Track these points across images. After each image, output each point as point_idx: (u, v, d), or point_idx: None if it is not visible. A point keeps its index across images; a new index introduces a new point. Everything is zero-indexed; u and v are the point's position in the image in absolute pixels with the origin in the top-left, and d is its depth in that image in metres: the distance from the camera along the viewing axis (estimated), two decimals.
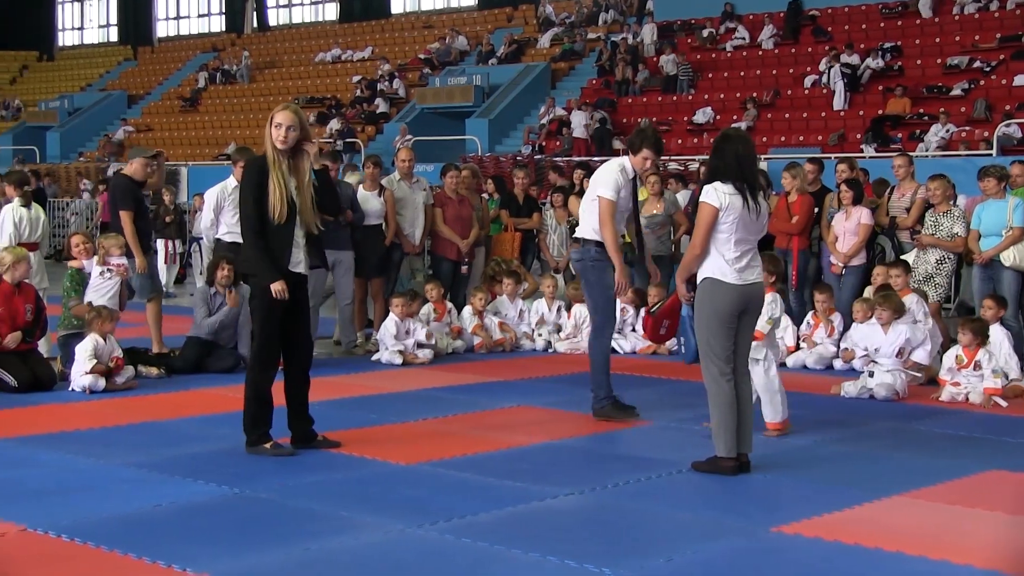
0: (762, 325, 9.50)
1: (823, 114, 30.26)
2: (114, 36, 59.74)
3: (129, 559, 6.35)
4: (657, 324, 9.50)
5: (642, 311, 14.24)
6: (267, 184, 8.69)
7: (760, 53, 34.50)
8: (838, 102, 30.15)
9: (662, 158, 24.23)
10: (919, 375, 12.12)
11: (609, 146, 31.03)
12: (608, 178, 10.28)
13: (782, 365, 13.43)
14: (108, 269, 12.55)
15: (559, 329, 14.99)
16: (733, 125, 28.39)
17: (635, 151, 10.24)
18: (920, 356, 11.97)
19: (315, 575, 6.26)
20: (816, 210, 14.70)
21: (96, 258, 12.60)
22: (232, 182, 13.32)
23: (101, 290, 12.48)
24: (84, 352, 11.43)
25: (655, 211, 15.19)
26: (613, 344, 13.31)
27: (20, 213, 13.69)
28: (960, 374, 11.64)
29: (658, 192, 15.34)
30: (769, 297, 9.76)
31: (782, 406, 9.70)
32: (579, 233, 10.61)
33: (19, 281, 11.80)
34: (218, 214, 13.39)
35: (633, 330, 14.60)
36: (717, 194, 8.30)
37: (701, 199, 8.41)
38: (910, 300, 12.62)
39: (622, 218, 10.45)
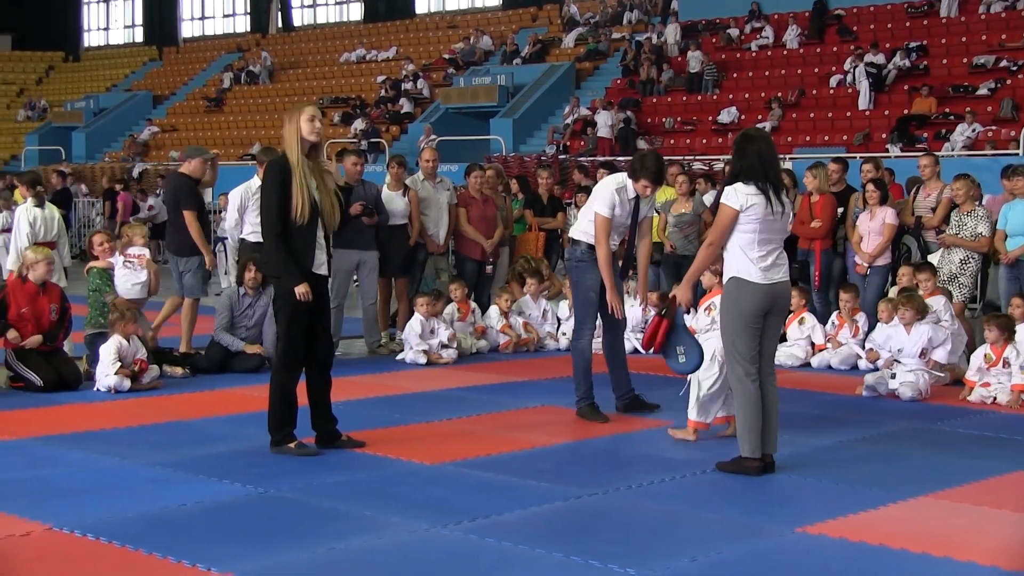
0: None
1: (848, 114, 30.19)
2: (139, 36, 59.91)
3: (154, 558, 6.36)
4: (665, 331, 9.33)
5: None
6: (290, 185, 8.69)
7: (785, 53, 34.43)
8: (863, 102, 30.08)
9: (687, 158, 24.31)
10: (942, 375, 12.06)
11: (634, 146, 31.00)
12: (605, 195, 10.37)
13: (806, 365, 13.46)
14: (129, 261, 12.60)
15: None
16: (758, 125, 28.41)
17: (635, 178, 10.27)
18: (940, 355, 11.91)
19: (339, 574, 6.27)
20: (841, 210, 14.65)
21: (118, 249, 12.67)
22: (256, 182, 13.32)
23: (129, 280, 12.52)
24: (108, 355, 11.46)
25: (683, 210, 15.16)
26: (638, 344, 13.33)
27: (34, 213, 13.75)
28: (990, 373, 11.58)
29: (686, 192, 15.29)
30: (719, 300, 9.77)
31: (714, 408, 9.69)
32: (571, 233, 10.78)
33: (44, 281, 11.84)
34: (242, 214, 13.41)
35: None
36: (737, 196, 8.28)
37: (721, 201, 8.38)
38: (936, 301, 12.56)
39: (618, 233, 10.53)
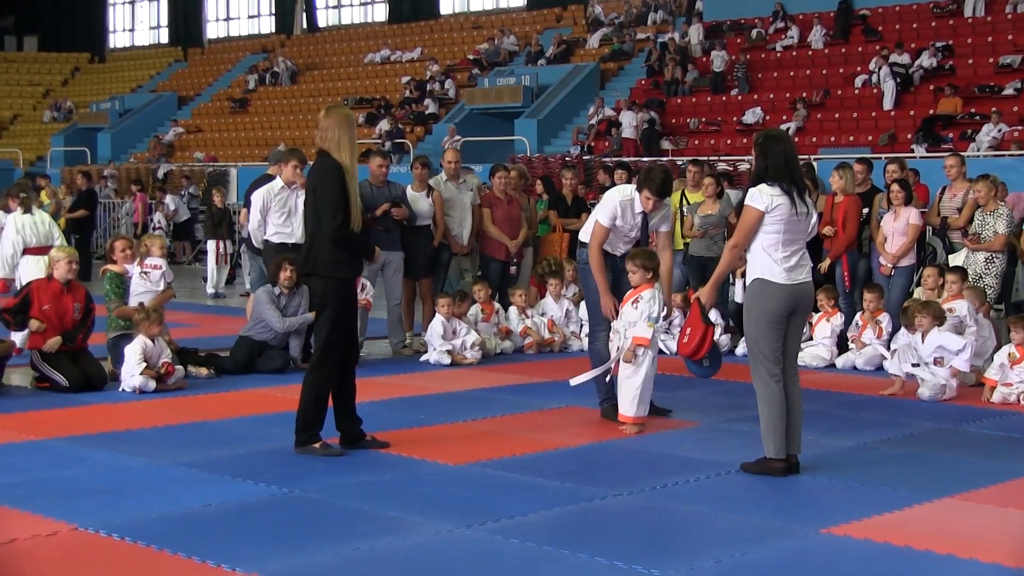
0: (643, 330, 9.73)
1: (873, 114, 30.07)
2: (164, 38, 60.02)
3: (179, 558, 6.38)
4: (706, 341, 9.38)
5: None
6: (347, 191, 8.75)
7: (810, 53, 34.30)
8: (888, 102, 29.97)
9: (711, 158, 24.24)
10: (957, 382, 11.94)
11: (658, 147, 30.93)
12: (608, 205, 10.43)
13: (831, 366, 13.43)
14: (144, 272, 12.63)
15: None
16: (782, 125, 28.36)
17: (639, 190, 10.29)
18: (959, 364, 11.82)
19: (364, 575, 6.28)
20: (866, 211, 14.59)
21: (138, 259, 12.71)
22: (278, 183, 13.34)
23: (142, 287, 12.55)
24: (133, 355, 11.49)
25: (710, 212, 15.11)
26: (660, 345, 13.32)
27: (22, 220, 13.85)
28: (1012, 371, 11.55)
29: (712, 194, 15.20)
30: (647, 294, 9.91)
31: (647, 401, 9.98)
32: (580, 236, 10.83)
33: (68, 280, 11.87)
34: (265, 215, 13.41)
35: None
36: (762, 196, 8.26)
37: (746, 202, 8.37)
38: (961, 306, 12.49)
39: (623, 243, 10.53)
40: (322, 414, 8.97)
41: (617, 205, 10.32)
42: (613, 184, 17.18)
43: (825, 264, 14.22)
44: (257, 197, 13.55)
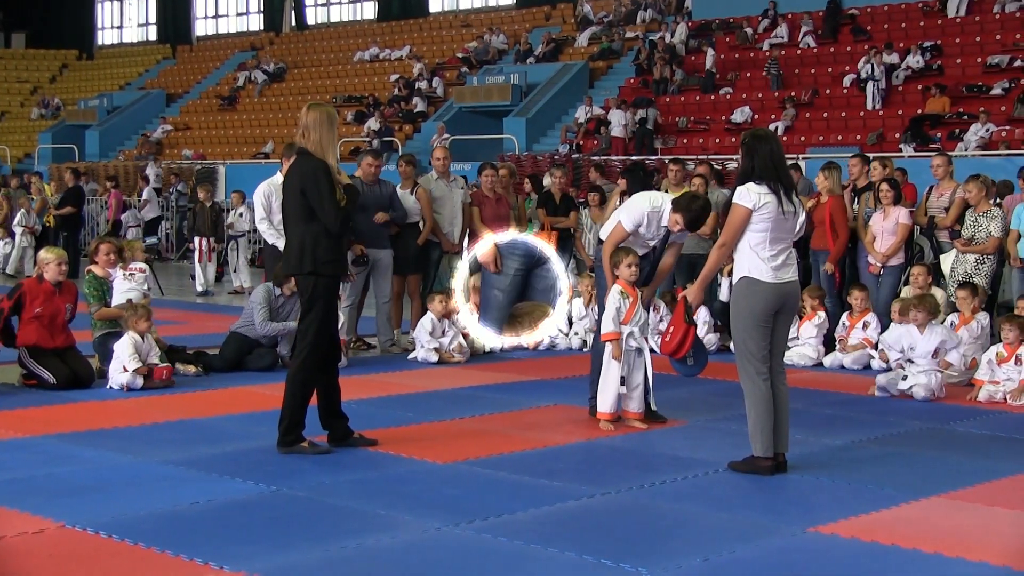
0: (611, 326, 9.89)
1: (861, 113, 30.12)
2: (153, 35, 59.96)
3: (167, 556, 6.37)
4: (687, 340, 9.38)
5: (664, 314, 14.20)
6: (334, 190, 8.73)
7: (799, 52, 34.36)
8: (878, 101, 30.00)
9: (699, 157, 24.25)
10: (954, 375, 12.01)
11: (650, 146, 30.90)
12: (636, 212, 10.25)
13: (818, 365, 13.45)
14: (129, 273, 12.61)
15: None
16: (771, 124, 28.40)
17: (675, 210, 10.08)
18: (953, 357, 11.87)
19: (352, 573, 6.28)
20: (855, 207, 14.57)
21: (121, 263, 12.69)
22: (279, 178, 13.32)
23: (125, 286, 12.53)
24: (125, 350, 11.46)
25: None
26: (652, 343, 13.32)
27: None
28: (1000, 369, 11.58)
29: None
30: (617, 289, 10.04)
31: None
32: (600, 233, 10.77)
33: (59, 280, 11.85)
34: (268, 212, 13.39)
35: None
36: (750, 195, 8.27)
37: (734, 200, 8.37)
38: (983, 318, 12.56)
39: (640, 247, 10.40)
40: (305, 412, 8.96)
41: (645, 215, 10.16)
42: (610, 183, 17.17)
43: (830, 266, 14.17)
44: (260, 193, 13.53)
